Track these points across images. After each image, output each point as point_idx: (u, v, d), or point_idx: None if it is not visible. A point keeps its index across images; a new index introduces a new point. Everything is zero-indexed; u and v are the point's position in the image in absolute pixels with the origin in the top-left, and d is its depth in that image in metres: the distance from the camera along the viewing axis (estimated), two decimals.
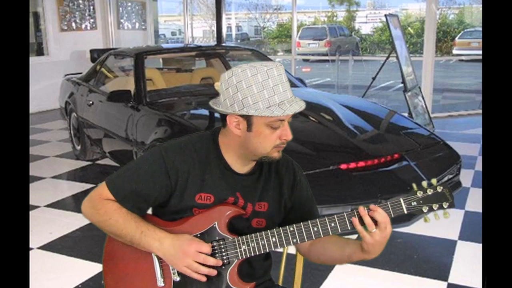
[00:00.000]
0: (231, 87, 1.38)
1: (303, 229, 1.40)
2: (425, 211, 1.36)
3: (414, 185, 1.39)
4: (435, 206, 1.35)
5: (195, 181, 1.45)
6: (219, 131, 1.52)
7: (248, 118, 1.39)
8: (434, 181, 1.38)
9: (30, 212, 3.85)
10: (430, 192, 1.36)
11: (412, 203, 1.36)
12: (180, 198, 1.46)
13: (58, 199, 4.22)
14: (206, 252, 1.39)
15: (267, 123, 1.38)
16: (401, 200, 1.36)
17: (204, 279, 1.41)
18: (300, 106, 1.37)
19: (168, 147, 1.49)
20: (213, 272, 1.40)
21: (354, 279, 2.86)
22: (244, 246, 1.43)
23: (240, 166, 1.50)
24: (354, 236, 1.42)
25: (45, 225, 3.65)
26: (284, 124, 1.40)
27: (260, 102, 1.35)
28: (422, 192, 1.36)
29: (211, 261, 1.40)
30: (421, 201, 1.36)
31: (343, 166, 3.14)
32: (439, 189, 1.36)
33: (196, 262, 1.39)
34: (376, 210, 1.34)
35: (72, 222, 3.66)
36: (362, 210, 1.35)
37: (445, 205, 1.36)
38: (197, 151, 1.48)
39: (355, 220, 1.35)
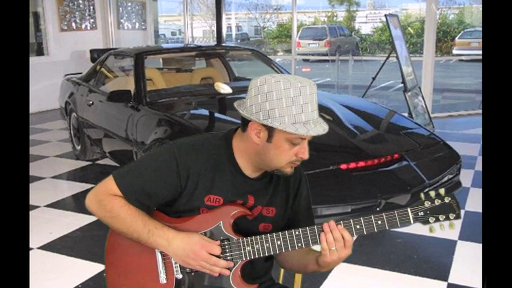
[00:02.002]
0: (261, 95, 1.36)
1: (308, 233, 1.40)
2: (431, 221, 1.35)
3: (422, 195, 1.38)
4: (441, 217, 1.35)
5: (205, 182, 1.45)
6: (233, 133, 1.51)
7: (270, 129, 1.38)
8: (442, 191, 1.37)
9: (30, 212, 3.85)
10: (437, 202, 1.35)
11: (419, 213, 1.35)
12: (189, 199, 1.45)
13: (58, 199, 4.22)
14: (216, 254, 1.39)
15: (288, 139, 1.38)
16: (409, 210, 1.35)
17: (216, 274, 1.42)
18: (323, 129, 1.37)
19: (181, 146, 1.47)
20: (226, 272, 1.41)
21: (354, 279, 2.86)
22: (248, 248, 1.42)
23: (251, 171, 1.50)
24: None
25: (45, 225, 3.64)
26: (303, 143, 1.40)
27: (286, 116, 1.34)
28: (429, 203, 1.35)
29: (222, 263, 1.40)
30: (428, 212, 1.35)
31: (343, 166, 3.14)
32: (447, 200, 1.35)
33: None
34: (343, 229, 1.37)
35: (72, 222, 3.66)
36: (333, 224, 1.37)
37: (451, 216, 1.35)
38: (209, 152, 1.47)
39: (323, 236, 1.37)
